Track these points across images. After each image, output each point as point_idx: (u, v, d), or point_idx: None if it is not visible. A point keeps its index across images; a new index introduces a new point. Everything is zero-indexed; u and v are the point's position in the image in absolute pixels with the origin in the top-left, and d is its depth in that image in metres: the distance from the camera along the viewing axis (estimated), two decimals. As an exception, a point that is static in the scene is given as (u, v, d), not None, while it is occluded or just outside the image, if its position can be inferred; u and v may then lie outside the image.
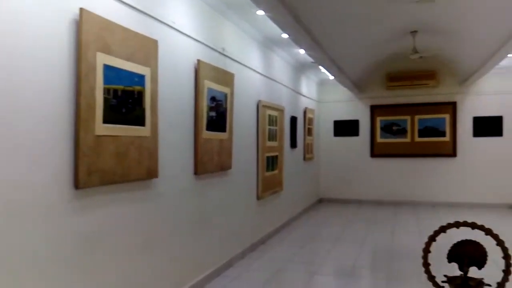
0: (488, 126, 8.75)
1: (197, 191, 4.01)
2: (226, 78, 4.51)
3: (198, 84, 3.92)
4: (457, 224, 1.88)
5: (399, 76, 9.00)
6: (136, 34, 2.98)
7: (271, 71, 6.30)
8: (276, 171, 6.42)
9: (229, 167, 4.67)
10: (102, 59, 2.66)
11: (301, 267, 4.76)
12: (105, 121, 2.69)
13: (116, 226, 2.88)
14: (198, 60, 3.93)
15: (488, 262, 1.96)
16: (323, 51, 5.67)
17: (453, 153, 8.96)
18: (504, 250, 1.81)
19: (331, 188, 9.85)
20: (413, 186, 9.14)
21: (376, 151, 9.55)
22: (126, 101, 2.87)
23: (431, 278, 1.96)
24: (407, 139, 9.31)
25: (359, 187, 9.64)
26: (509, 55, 6.24)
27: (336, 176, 9.85)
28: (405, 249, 5.27)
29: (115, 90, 2.77)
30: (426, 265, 1.98)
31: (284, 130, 6.86)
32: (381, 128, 9.53)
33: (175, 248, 3.61)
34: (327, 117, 9.92)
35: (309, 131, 8.65)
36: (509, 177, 8.55)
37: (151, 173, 3.16)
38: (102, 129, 2.66)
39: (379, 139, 9.54)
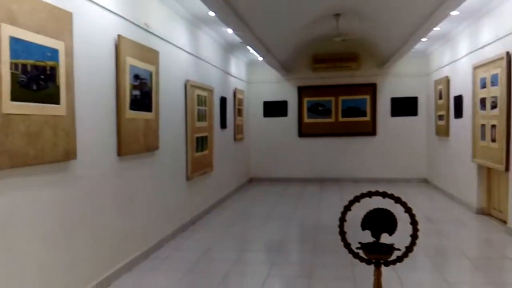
0: (404, 106, 9.40)
1: (121, 173, 3.88)
2: (150, 55, 4.36)
3: (119, 60, 3.74)
4: (369, 194, 2.02)
5: (324, 58, 9.31)
6: (46, 5, 2.76)
7: (199, 51, 6.20)
8: (206, 152, 6.40)
9: (156, 147, 4.57)
10: (8, 30, 2.44)
11: (231, 244, 4.84)
12: (14, 98, 2.48)
13: (30, 211, 2.71)
14: (119, 36, 3.75)
15: (398, 228, 2.12)
16: (250, 31, 5.68)
17: (373, 132, 9.53)
18: (412, 216, 1.98)
19: (261, 167, 10.05)
20: (337, 164, 9.61)
21: (304, 131, 9.87)
22: (37, 77, 2.67)
23: (347, 245, 2.09)
24: (332, 119, 9.72)
25: (288, 166, 9.93)
26: (423, 39, 6.71)
27: (266, 156, 10.05)
28: (330, 223, 5.55)
29: (24, 65, 2.56)
30: (342, 233, 2.10)
31: (214, 111, 6.83)
32: (308, 109, 9.84)
33: (99, 232, 3.48)
34: (257, 98, 10.02)
35: (239, 112, 8.70)
36: (423, 153, 9.30)
37: (69, 155, 3.00)
38: (10, 107, 2.46)
39: (306, 120, 9.86)
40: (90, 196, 3.36)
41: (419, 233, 2.04)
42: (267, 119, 10.02)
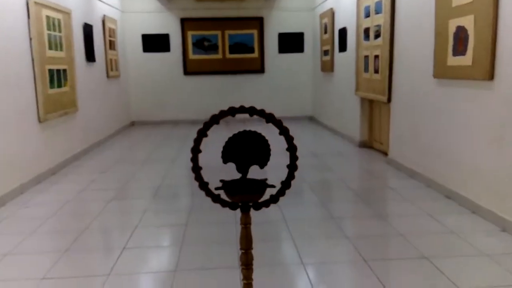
0: (291, 43, 9.10)
1: None
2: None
3: None
4: (232, 111, 1.48)
5: (209, -14, 8.44)
6: None
7: (46, -41, 4.91)
8: (65, 88, 5.33)
9: (-17, 79, 3.49)
10: None
11: (97, 194, 4.09)
12: None
13: None
14: None
15: (272, 160, 1.62)
16: None
17: (261, 69, 9.14)
18: (289, 139, 1.48)
19: (144, 109, 9.12)
20: (225, 103, 8.90)
21: (189, 69, 9.08)
22: None
23: (203, 185, 1.55)
24: (219, 56, 9.07)
25: (173, 107, 9.16)
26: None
27: (148, 96, 9.11)
28: (215, 164, 5.09)
29: None
30: (195, 169, 1.55)
31: (74, 39, 5.67)
32: (193, 44, 9.01)
33: None
34: (134, 30, 8.84)
35: (111, 44, 7.53)
36: (309, 90, 9.25)
37: None
38: None
39: (191, 56, 9.05)
40: None
41: (297, 163, 1.56)
42: (148, 54, 8.97)
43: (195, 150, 1.54)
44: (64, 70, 5.30)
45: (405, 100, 4.61)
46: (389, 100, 4.97)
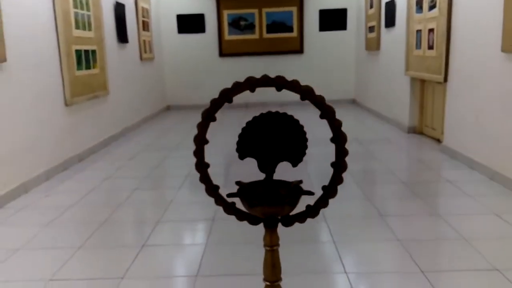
0: (333, 20, 8.49)
1: None
2: None
3: None
4: (250, 83, 1.07)
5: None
6: None
7: None
8: (95, 70, 5.11)
9: (2, 59, 3.27)
10: None
11: (122, 182, 3.84)
12: None
13: None
14: None
15: (308, 153, 1.21)
16: None
17: (300, 49, 8.61)
18: (335, 125, 1.07)
19: (179, 93, 8.87)
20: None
21: (225, 50, 8.70)
22: None
23: (211, 189, 1.16)
24: (256, 36, 8.62)
25: (209, 90, 8.77)
26: None
27: (184, 79, 8.84)
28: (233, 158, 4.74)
29: None
30: (200, 167, 1.17)
31: (104, 18, 5.42)
32: (229, 24, 8.60)
33: None
34: (169, 10, 8.54)
35: (144, 25, 7.27)
36: (351, 71, 8.63)
37: None
38: None
39: (227, 37, 8.65)
40: None
41: (347, 159, 1.14)
42: (182, 36, 8.66)
43: (200, 140, 1.16)
44: (93, 51, 5.07)
45: (465, 79, 4.01)
46: (445, 79, 4.37)
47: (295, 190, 1.13)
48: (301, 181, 1.17)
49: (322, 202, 1.17)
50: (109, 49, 5.64)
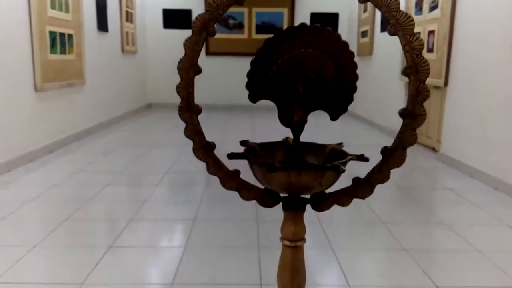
0: (325, 24, 8.17)
1: None
2: None
3: None
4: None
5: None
6: None
7: None
8: (71, 56, 4.71)
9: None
10: None
11: (94, 177, 3.45)
12: None
13: None
14: None
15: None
16: None
17: (290, 52, 8.36)
18: (414, 43, 0.75)
19: (162, 91, 8.47)
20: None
21: (212, 49, 8.38)
22: None
23: (202, 147, 0.85)
24: (244, 36, 8.34)
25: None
26: None
27: (167, 77, 8.45)
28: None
29: None
30: (187, 111, 0.86)
31: (83, 2, 5.03)
32: (218, 23, 8.27)
33: None
34: (154, 3, 8.18)
35: (128, 16, 6.89)
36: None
37: None
38: None
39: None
40: None
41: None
42: (168, 31, 8.30)
43: (190, 65, 0.84)
44: (70, 35, 4.68)
45: (467, 82, 3.79)
46: (445, 83, 4.15)
47: (337, 155, 0.80)
48: (341, 144, 0.84)
49: (381, 171, 0.85)
50: (88, 36, 5.24)
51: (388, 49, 5.81)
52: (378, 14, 6.25)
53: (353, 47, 7.61)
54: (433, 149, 4.63)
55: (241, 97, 8.38)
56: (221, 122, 6.64)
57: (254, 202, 0.94)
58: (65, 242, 2.26)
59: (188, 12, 8.20)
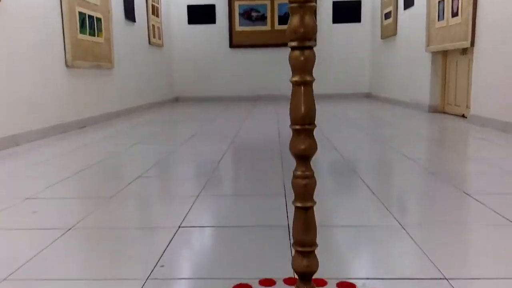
0: (347, 11, 8.27)
1: None
2: None
3: None
4: None
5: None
6: None
7: None
8: (99, 39, 4.89)
9: (-4, -4, 3.04)
10: None
11: (115, 162, 3.55)
12: None
13: None
14: None
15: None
16: None
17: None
18: None
19: (188, 85, 8.64)
20: (273, 80, 8.41)
21: (235, 41, 8.49)
22: None
23: None
24: (267, 27, 8.42)
25: (218, 83, 8.61)
26: None
27: (193, 71, 8.63)
28: (263, 142, 4.43)
29: None
30: None
31: (110, -11, 5.23)
32: (240, 15, 8.42)
33: None
34: (179, 0, 8.40)
35: (153, 9, 7.10)
36: (366, 65, 8.36)
37: None
38: None
39: (238, 28, 8.46)
40: None
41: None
42: (192, 26, 8.48)
43: None
44: (99, 19, 4.87)
45: (495, 41, 3.69)
46: (472, 43, 4.05)
47: None
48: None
49: None
50: (115, 23, 5.43)
51: (412, 24, 5.73)
52: (401, -8, 6.20)
53: (377, 32, 7.58)
54: (463, 116, 4.51)
55: (265, 87, 8.43)
56: (244, 112, 6.68)
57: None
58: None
59: (212, 7, 8.37)
